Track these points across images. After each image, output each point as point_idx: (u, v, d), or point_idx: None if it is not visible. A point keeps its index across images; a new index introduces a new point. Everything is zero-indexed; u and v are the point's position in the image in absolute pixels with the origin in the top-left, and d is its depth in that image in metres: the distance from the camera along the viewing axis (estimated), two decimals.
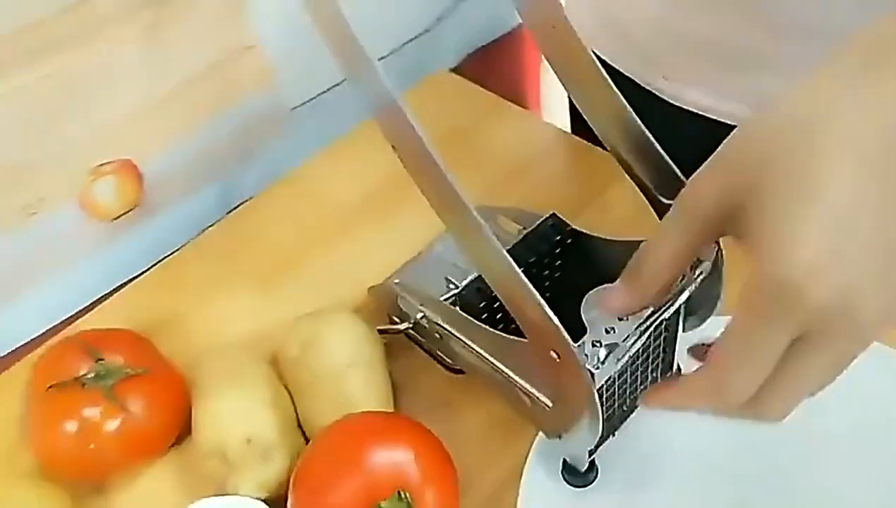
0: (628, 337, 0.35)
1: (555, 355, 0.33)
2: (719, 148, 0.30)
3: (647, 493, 0.42)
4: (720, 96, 0.52)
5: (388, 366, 0.47)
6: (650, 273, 0.33)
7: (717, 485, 0.42)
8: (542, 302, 0.32)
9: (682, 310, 0.37)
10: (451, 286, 0.46)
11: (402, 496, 0.36)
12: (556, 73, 0.39)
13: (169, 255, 0.56)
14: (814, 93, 0.29)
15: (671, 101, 0.54)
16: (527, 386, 0.39)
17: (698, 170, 0.31)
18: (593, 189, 0.57)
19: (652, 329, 0.36)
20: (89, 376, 0.42)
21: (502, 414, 0.45)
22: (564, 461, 0.41)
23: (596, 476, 0.42)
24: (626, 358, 0.35)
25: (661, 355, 0.40)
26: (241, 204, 0.60)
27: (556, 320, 0.32)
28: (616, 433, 0.41)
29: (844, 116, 0.27)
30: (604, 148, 0.60)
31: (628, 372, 0.38)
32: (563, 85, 0.39)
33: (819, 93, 0.28)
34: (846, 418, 0.41)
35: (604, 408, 0.35)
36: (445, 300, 0.46)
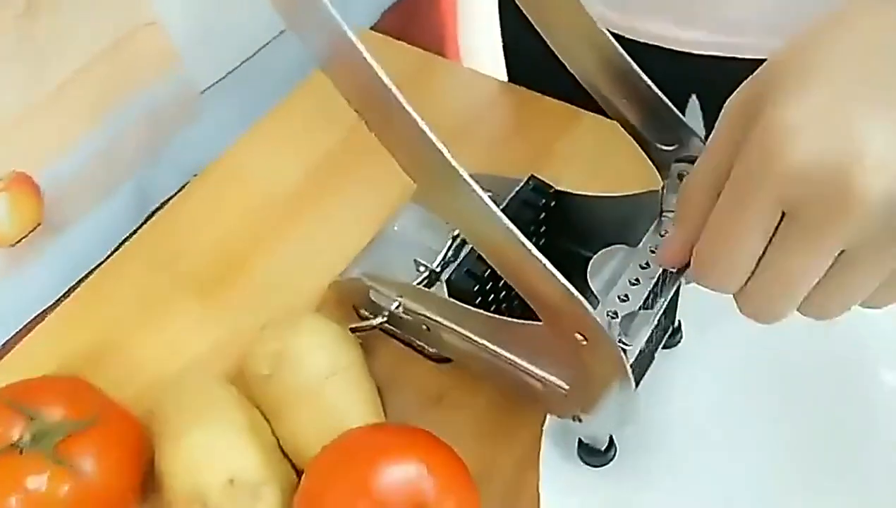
0: (647, 301, 0.32)
1: (580, 337, 0.30)
2: (732, 99, 0.28)
3: (668, 466, 0.39)
4: (681, 24, 0.49)
5: (368, 367, 0.42)
6: (689, 208, 0.29)
7: (738, 454, 0.40)
8: (564, 280, 0.29)
9: None
10: (422, 268, 0.42)
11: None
12: (527, 12, 0.35)
13: (87, 277, 0.49)
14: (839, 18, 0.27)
15: (626, 36, 0.51)
16: (537, 371, 0.35)
17: (727, 103, 0.28)
18: (546, 141, 0.53)
19: (670, 288, 0.33)
20: (25, 439, 0.35)
21: (501, 401, 0.42)
22: (580, 440, 0.38)
23: (615, 454, 0.39)
24: (652, 326, 0.32)
25: (666, 313, 0.38)
26: (161, 206, 0.53)
27: (583, 300, 0.29)
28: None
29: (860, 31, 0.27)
30: (552, 96, 0.56)
31: None
32: (539, 26, 0.35)
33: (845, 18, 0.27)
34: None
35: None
36: (420, 284, 0.42)
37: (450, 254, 0.43)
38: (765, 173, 0.25)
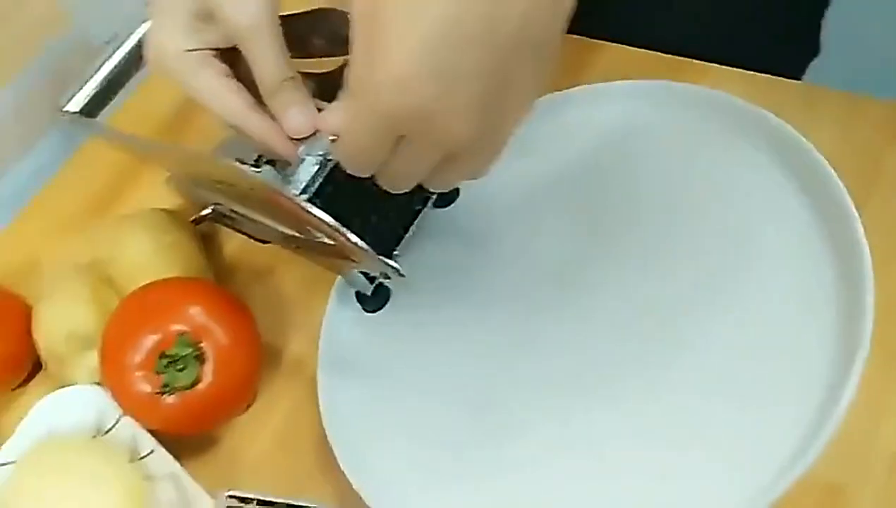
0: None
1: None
2: None
3: (441, 311, 0.46)
4: None
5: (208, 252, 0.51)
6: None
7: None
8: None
9: None
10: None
11: (185, 339, 0.41)
12: None
13: None
14: None
15: None
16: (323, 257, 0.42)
17: None
18: None
19: None
20: None
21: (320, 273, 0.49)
22: (357, 292, 0.46)
23: (385, 303, 0.46)
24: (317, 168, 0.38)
25: None
26: None
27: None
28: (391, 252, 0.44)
29: None
30: None
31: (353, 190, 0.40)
32: None
33: None
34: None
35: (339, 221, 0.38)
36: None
37: None
38: (389, 120, 0.31)
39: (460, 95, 0.29)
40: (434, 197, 0.46)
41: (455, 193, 0.48)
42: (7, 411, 0.49)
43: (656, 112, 0.46)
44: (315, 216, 0.36)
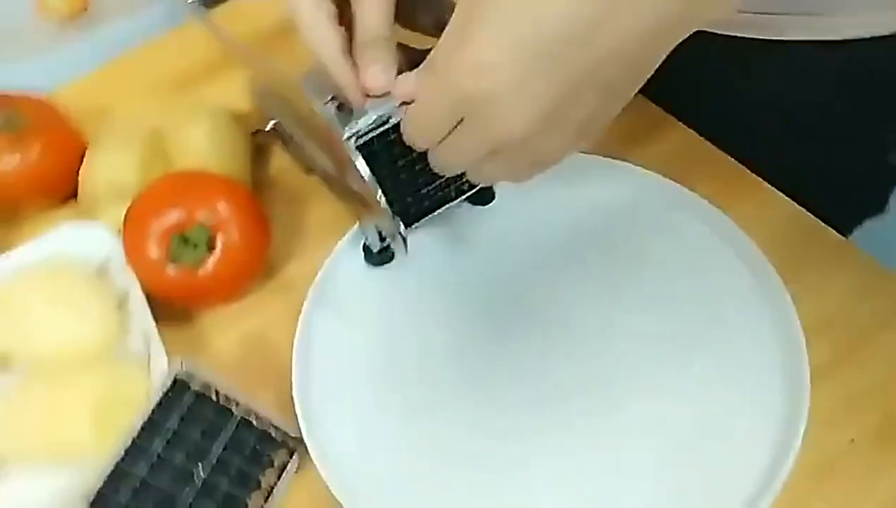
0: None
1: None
2: None
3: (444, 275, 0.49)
4: None
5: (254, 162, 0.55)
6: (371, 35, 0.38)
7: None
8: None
9: None
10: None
11: (203, 227, 0.45)
12: None
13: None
14: None
15: None
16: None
17: None
18: None
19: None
20: None
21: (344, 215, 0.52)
22: (365, 244, 0.49)
23: (389, 261, 0.49)
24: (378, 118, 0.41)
25: None
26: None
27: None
28: (411, 224, 0.48)
29: None
30: None
31: (399, 157, 0.44)
32: None
33: None
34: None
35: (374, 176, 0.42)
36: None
37: None
38: (454, 94, 0.32)
39: (530, 95, 0.31)
40: (469, 193, 0.50)
41: (491, 196, 0.51)
42: (30, 227, 0.54)
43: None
44: (354, 162, 0.39)
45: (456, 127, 0.34)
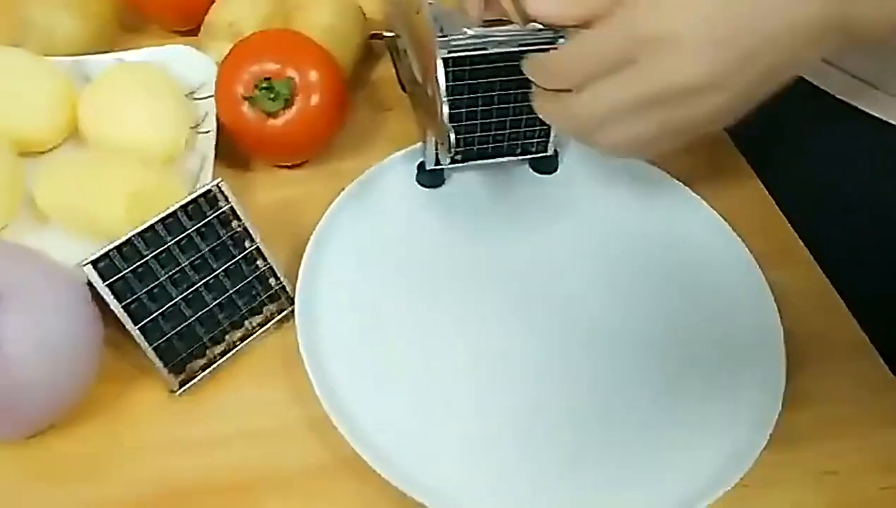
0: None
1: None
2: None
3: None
4: None
5: (361, 62, 0.59)
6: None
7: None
8: None
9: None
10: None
11: (290, 83, 0.49)
12: None
13: None
14: None
15: None
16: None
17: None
18: None
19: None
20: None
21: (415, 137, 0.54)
22: (420, 165, 0.51)
23: (436, 186, 0.52)
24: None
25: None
26: None
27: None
28: (467, 160, 0.50)
29: None
30: None
31: (480, 89, 0.46)
32: None
33: None
34: None
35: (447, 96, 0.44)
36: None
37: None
38: (626, 41, 0.33)
39: (711, 50, 0.32)
40: (534, 155, 0.52)
41: (554, 166, 0.53)
42: (152, 42, 0.59)
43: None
44: (436, 69, 0.42)
45: (615, 71, 0.33)
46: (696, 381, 0.44)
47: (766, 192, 0.55)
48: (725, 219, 0.50)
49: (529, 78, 0.39)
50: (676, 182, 0.52)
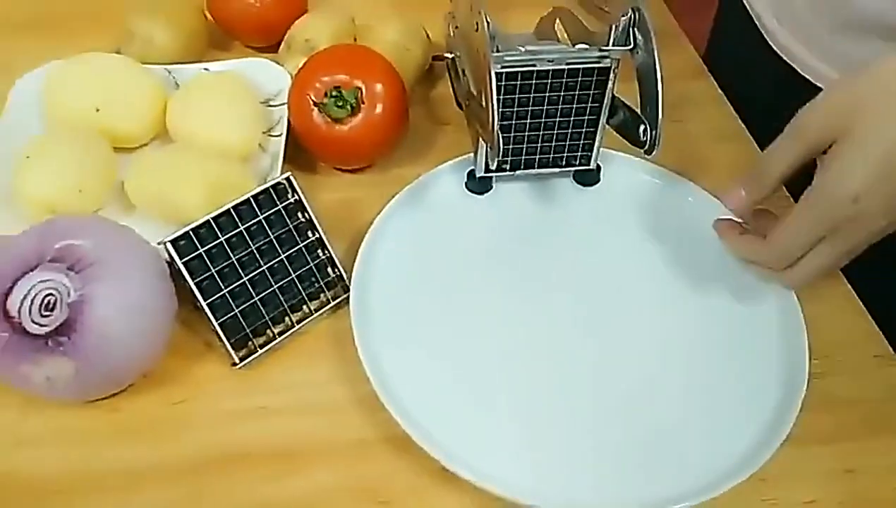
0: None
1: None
2: (826, 90, 0.43)
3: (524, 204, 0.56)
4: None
5: (423, 78, 0.63)
6: (766, 179, 0.45)
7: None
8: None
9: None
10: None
11: (356, 93, 0.53)
12: None
13: None
14: (889, 71, 0.41)
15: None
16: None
17: (809, 104, 0.43)
18: None
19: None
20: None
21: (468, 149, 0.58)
22: (470, 173, 0.55)
23: (485, 191, 0.55)
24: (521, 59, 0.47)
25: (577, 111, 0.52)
26: None
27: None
28: (514, 169, 0.54)
29: None
30: None
31: (529, 104, 0.50)
32: None
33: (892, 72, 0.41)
34: None
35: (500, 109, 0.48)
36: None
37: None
38: (833, 212, 0.42)
39: (889, 201, 0.41)
40: (576, 168, 0.55)
41: (596, 178, 0.56)
42: (237, 55, 0.65)
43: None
44: (490, 79, 0.45)
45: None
46: (723, 378, 0.47)
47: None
48: None
49: (744, 258, 0.49)
50: (713, 198, 0.55)
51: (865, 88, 0.41)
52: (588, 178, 0.56)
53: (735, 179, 0.47)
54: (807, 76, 0.61)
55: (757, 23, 0.65)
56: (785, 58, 0.62)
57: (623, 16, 0.48)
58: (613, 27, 0.49)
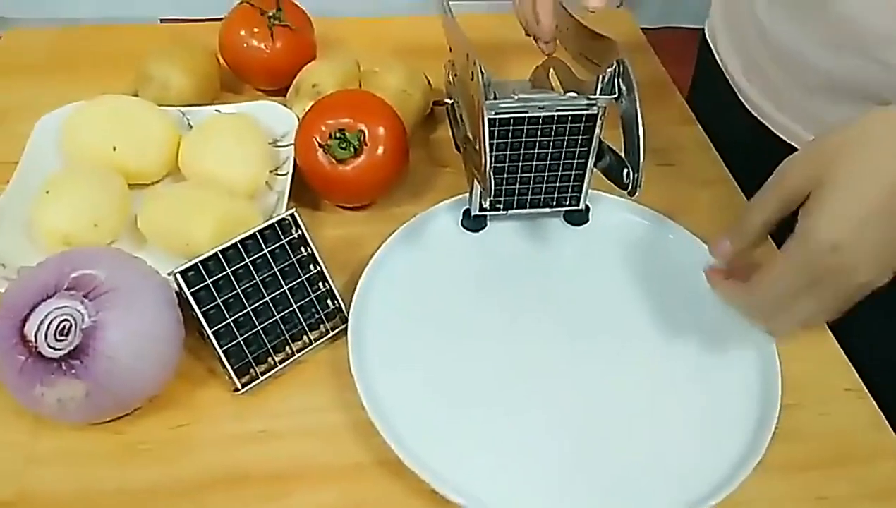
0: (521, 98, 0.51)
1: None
2: (807, 145, 0.44)
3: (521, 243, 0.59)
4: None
5: (424, 123, 0.66)
6: (749, 228, 0.46)
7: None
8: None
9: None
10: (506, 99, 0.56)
11: (359, 135, 0.56)
12: None
13: None
14: (871, 123, 0.42)
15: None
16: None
17: (790, 158, 0.44)
18: None
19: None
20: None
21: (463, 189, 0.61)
22: (465, 212, 0.58)
23: (479, 229, 0.58)
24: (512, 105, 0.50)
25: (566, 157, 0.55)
26: None
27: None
28: (507, 209, 0.57)
29: (888, 146, 0.41)
30: None
31: (519, 148, 0.53)
32: None
33: (875, 123, 0.42)
34: None
35: (491, 155, 0.51)
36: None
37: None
38: (812, 261, 0.41)
39: (874, 250, 0.41)
40: (565, 208, 0.58)
41: (585, 218, 0.59)
42: (249, 98, 0.69)
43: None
44: (483, 124, 0.49)
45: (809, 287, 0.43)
46: (699, 408, 0.49)
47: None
48: None
49: (725, 301, 0.48)
50: (699, 239, 0.57)
51: (844, 139, 0.42)
52: (577, 218, 0.59)
53: (722, 231, 0.48)
54: (779, 134, 0.64)
55: (730, 81, 0.69)
56: (757, 116, 0.65)
57: (609, 67, 0.51)
58: (601, 77, 0.52)
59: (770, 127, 0.64)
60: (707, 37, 0.73)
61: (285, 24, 0.67)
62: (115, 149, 0.58)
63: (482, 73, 0.49)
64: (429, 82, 0.67)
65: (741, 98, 0.67)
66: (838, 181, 0.41)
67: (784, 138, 0.63)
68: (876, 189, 0.40)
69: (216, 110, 0.63)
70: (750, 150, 0.62)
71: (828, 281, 0.42)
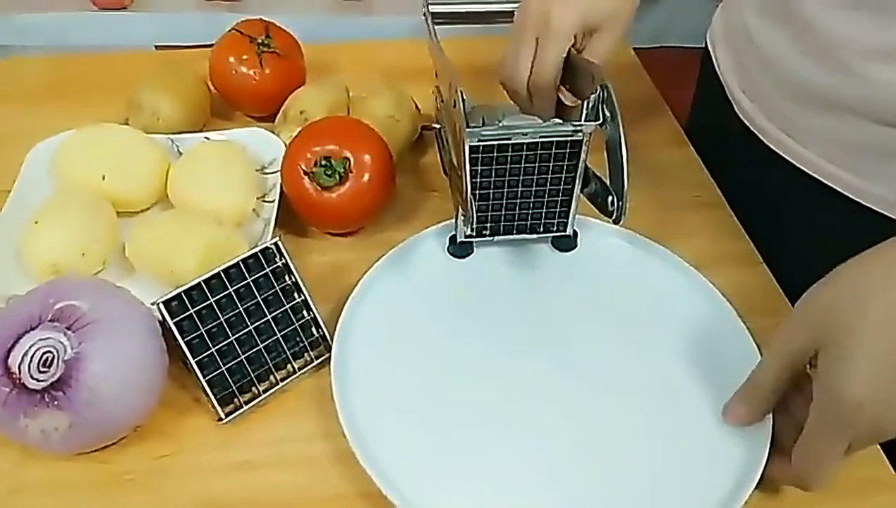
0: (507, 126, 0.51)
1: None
2: (800, 306, 0.44)
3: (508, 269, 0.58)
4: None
5: (413, 147, 0.67)
6: (760, 394, 0.47)
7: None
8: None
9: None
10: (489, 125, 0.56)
11: (345, 163, 0.57)
12: None
13: None
14: (864, 272, 0.42)
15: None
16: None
17: (784, 321, 0.45)
18: None
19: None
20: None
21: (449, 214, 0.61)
22: (451, 238, 0.58)
23: (470, 254, 0.58)
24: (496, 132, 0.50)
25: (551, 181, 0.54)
26: None
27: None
28: (493, 235, 0.57)
29: (887, 294, 0.41)
30: None
31: (503, 174, 0.53)
32: None
33: (869, 273, 0.42)
34: None
35: (471, 179, 0.51)
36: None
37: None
38: (844, 428, 0.41)
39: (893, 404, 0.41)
40: (552, 234, 0.58)
41: (573, 244, 0.59)
42: (237, 125, 0.69)
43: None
44: (464, 153, 0.49)
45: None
46: (694, 433, 0.49)
47: (771, 276, 0.59)
48: (729, 300, 0.55)
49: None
50: (687, 264, 0.57)
51: (834, 299, 0.42)
52: (565, 244, 0.58)
53: (733, 398, 0.48)
54: (775, 148, 0.63)
55: (728, 94, 0.68)
56: (753, 129, 0.65)
57: (592, 93, 0.51)
58: (585, 103, 0.52)
59: (766, 141, 0.64)
60: (708, 47, 0.73)
61: (274, 51, 0.68)
62: (104, 178, 0.58)
63: (463, 101, 0.50)
64: (417, 107, 0.68)
65: (738, 112, 0.67)
66: (844, 342, 0.41)
67: (776, 150, 0.63)
68: (885, 343, 0.40)
69: (205, 137, 0.64)
70: (749, 171, 0.62)
71: (856, 436, 0.42)
